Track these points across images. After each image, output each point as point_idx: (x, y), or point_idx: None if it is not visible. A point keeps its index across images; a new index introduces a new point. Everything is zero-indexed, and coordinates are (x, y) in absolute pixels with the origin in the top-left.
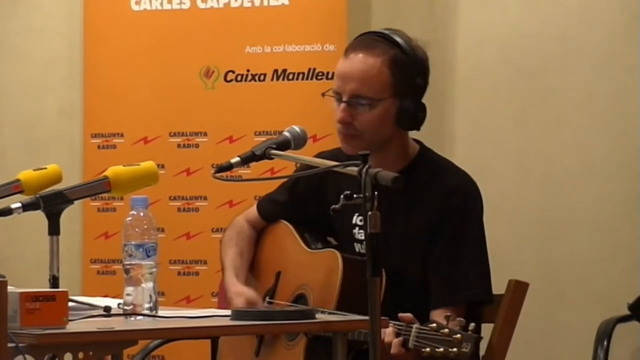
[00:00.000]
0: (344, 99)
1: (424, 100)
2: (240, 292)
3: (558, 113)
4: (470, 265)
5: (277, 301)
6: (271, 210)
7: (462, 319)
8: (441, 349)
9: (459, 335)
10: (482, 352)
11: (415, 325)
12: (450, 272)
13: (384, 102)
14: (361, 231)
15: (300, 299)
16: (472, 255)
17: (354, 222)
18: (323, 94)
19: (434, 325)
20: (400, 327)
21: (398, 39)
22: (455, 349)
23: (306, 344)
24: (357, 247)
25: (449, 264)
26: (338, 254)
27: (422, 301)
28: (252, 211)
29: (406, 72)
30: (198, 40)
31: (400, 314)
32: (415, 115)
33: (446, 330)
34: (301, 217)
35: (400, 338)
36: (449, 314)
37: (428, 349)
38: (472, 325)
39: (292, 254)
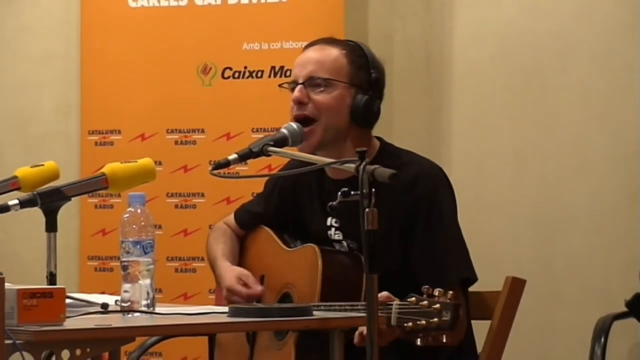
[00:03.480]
0: (300, 82)
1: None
2: (231, 269)
3: (555, 110)
4: (449, 247)
5: (265, 304)
6: (248, 221)
7: (440, 289)
8: (423, 321)
9: (438, 305)
10: (479, 348)
11: (396, 302)
12: (432, 259)
13: (340, 86)
14: (337, 232)
15: (285, 298)
16: (449, 237)
17: (328, 224)
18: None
19: (413, 299)
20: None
21: (357, 42)
22: (435, 319)
23: (296, 341)
24: (337, 246)
25: (429, 251)
26: (316, 248)
27: (401, 291)
28: (231, 219)
29: (363, 65)
30: (195, 37)
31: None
32: (370, 112)
33: (425, 302)
34: (279, 223)
35: (382, 316)
36: (427, 286)
37: (410, 323)
38: (450, 293)
39: (273, 256)
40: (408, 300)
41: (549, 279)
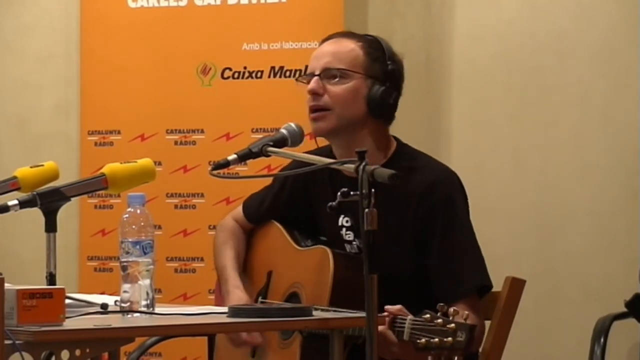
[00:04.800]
0: (316, 73)
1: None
2: (243, 300)
3: (555, 110)
4: (466, 254)
5: (270, 301)
6: (258, 214)
7: (455, 308)
8: (436, 339)
9: (452, 325)
10: (479, 348)
11: (410, 317)
12: (449, 267)
13: (356, 77)
14: (349, 232)
15: (292, 297)
16: (466, 245)
17: (340, 223)
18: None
19: (428, 316)
20: (395, 320)
21: (374, 36)
22: (450, 339)
23: (301, 342)
24: (347, 247)
25: (446, 258)
26: (328, 250)
27: (410, 296)
28: (239, 212)
29: (379, 56)
30: (195, 37)
31: (387, 307)
32: (386, 103)
33: (440, 320)
34: (289, 218)
35: (383, 317)
36: (442, 304)
37: (423, 340)
38: (465, 313)
39: (282, 252)
40: (423, 317)
41: (549, 279)
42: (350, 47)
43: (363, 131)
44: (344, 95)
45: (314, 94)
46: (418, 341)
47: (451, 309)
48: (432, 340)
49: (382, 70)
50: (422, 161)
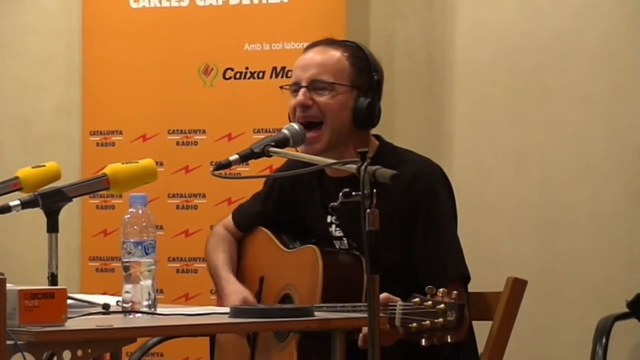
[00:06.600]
0: (303, 85)
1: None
2: (238, 291)
3: (556, 110)
4: (449, 244)
5: (265, 305)
6: (247, 221)
7: (444, 289)
8: (427, 322)
9: (442, 306)
10: (480, 348)
11: (399, 303)
12: (434, 256)
13: (343, 89)
14: (338, 229)
15: (286, 299)
16: (449, 234)
17: (328, 221)
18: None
19: (417, 299)
20: (385, 307)
21: (356, 43)
22: (440, 319)
23: (297, 343)
24: (337, 244)
25: (431, 247)
26: (316, 249)
27: (399, 288)
28: (229, 221)
29: (365, 67)
30: (197, 38)
31: None
32: (371, 114)
33: (429, 302)
34: (277, 223)
35: (385, 317)
36: (430, 286)
37: (415, 324)
38: (454, 293)
39: (272, 257)
40: (412, 301)
41: (550, 280)
42: (336, 58)
43: (348, 141)
44: (333, 107)
45: (304, 106)
46: (410, 325)
47: (440, 291)
48: (423, 323)
49: (368, 81)
50: (405, 156)
